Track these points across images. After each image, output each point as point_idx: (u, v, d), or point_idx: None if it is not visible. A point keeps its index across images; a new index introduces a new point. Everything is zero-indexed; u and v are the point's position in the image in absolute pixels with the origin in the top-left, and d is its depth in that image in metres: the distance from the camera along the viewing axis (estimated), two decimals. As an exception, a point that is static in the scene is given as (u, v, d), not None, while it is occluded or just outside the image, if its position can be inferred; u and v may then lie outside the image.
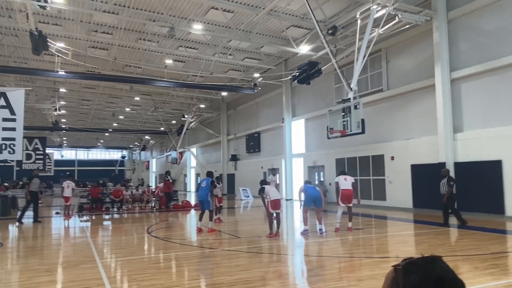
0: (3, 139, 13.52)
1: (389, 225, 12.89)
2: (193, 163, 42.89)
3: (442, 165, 14.47)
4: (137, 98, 31.77)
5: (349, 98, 14.13)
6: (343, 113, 14.09)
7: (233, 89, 26.11)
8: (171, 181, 20.15)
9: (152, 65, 22.82)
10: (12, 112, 13.84)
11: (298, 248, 9.34)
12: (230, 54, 21.73)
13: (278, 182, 14.30)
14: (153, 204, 20.30)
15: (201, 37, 19.27)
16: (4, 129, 13.65)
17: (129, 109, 37.13)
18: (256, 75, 23.86)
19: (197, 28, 17.64)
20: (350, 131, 13.75)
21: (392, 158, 17.23)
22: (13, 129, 13.75)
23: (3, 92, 14.04)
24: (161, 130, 43.59)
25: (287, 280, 6.22)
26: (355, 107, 13.62)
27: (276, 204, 10.18)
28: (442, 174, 11.93)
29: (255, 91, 24.00)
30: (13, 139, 13.68)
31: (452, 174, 14.31)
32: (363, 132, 13.46)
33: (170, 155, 41.83)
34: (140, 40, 19.77)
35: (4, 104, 13.78)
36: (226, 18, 16.96)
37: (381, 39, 16.07)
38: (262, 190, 10.36)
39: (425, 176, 15.49)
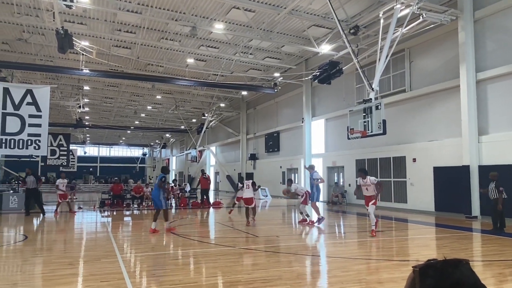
0: (29, 134, 13.97)
1: (410, 228, 12.67)
2: (212, 161, 43.13)
3: (466, 168, 14.13)
4: (158, 97, 32.18)
5: (371, 99, 13.95)
6: (364, 114, 13.92)
7: (253, 89, 26.15)
8: (205, 177, 20.43)
9: (173, 64, 23.07)
10: (38, 108, 14.30)
11: (316, 249, 9.29)
12: (250, 54, 21.77)
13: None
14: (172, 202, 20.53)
15: (222, 36, 19.36)
16: (30, 125, 14.10)
17: (150, 107, 37.64)
18: (277, 74, 23.83)
19: (219, 27, 17.74)
20: (371, 132, 13.58)
21: (414, 160, 16.93)
22: (39, 125, 14.19)
23: (30, 89, 14.52)
24: (182, 129, 44.02)
25: (304, 280, 6.19)
26: (377, 108, 13.43)
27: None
28: (490, 178, 11.21)
29: (275, 90, 23.98)
30: (39, 135, 14.13)
31: (476, 177, 13.98)
32: (384, 133, 13.27)
33: (190, 153, 42.20)
34: (163, 39, 20.01)
35: (31, 101, 14.25)
36: (248, 18, 16.99)
37: (404, 38, 15.80)
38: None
39: (448, 179, 15.16)
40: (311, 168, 13.47)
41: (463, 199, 14.25)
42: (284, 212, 18.60)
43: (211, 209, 19.00)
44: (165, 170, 11.84)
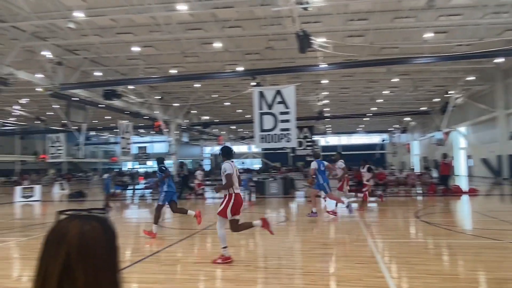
0: (281, 129, 16.04)
1: None
2: (461, 143, 38.65)
3: None
4: (394, 80, 31.05)
5: None
6: None
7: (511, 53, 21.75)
8: (446, 162, 18.85)
9: (409, 42, 21.71)
10: (286, 106, 16.25)
11: None
12: (505, 12, 18.15)
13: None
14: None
15: (466, 0, 16.92)
16: (282, 121, 16.16)
17: (387, 92, 36.78)
18: (546, 30, 19.04)
19: (462, -11, 15.57)
20: None
21: None
22: (288, 120, 16.12)
23: (278, 90, 16.66)
24: (422, 110, 41.20)
25: None
26: None
27: None
28: None
29: (545, 50, 19.19)
30: (289, 129, 16.05)
31: None
32: None
33: (434, 136, 39.11)
34: (396, 19, 19.12)
35: (280, 100, 16.36)
36: (499, -31, 14.23)
37: None
38: None
39: None
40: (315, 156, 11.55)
41: None
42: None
43: (464, 197, 17.01)
44: (159, 160, 9.74)
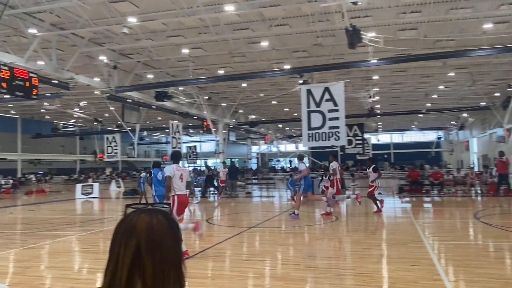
0: (330, 127, 15.76)
1: None
2: (526, 141, 35.96)
3: None
4: (451, 74, 29.48)
5: None
6: None
7: None
8: (503, 160, 17.67)
9: (466, 34, 20.52)
10: (335, 103, 15.96)
11: None
12: None
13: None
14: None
15: (531, -15, 15.71)
16: (330, 119, 15.89)
17: (442, 87, 35.00)
18: None
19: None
20: None
21: None
22: (337, 118, 15.82)
23: (327, 87, 16.39)
24: (482, 106, 38.77)
25: None
26: None
27: None
28: None
29: None
30: (337, 127, 15.74)
31: None
32: None
33: (495, 133, 36.74)
34: (451, 10, 18.14)
35: (329, 97, 16.10)
36: None
37: None
38: None
39: None
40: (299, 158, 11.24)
41: None
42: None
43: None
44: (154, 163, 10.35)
